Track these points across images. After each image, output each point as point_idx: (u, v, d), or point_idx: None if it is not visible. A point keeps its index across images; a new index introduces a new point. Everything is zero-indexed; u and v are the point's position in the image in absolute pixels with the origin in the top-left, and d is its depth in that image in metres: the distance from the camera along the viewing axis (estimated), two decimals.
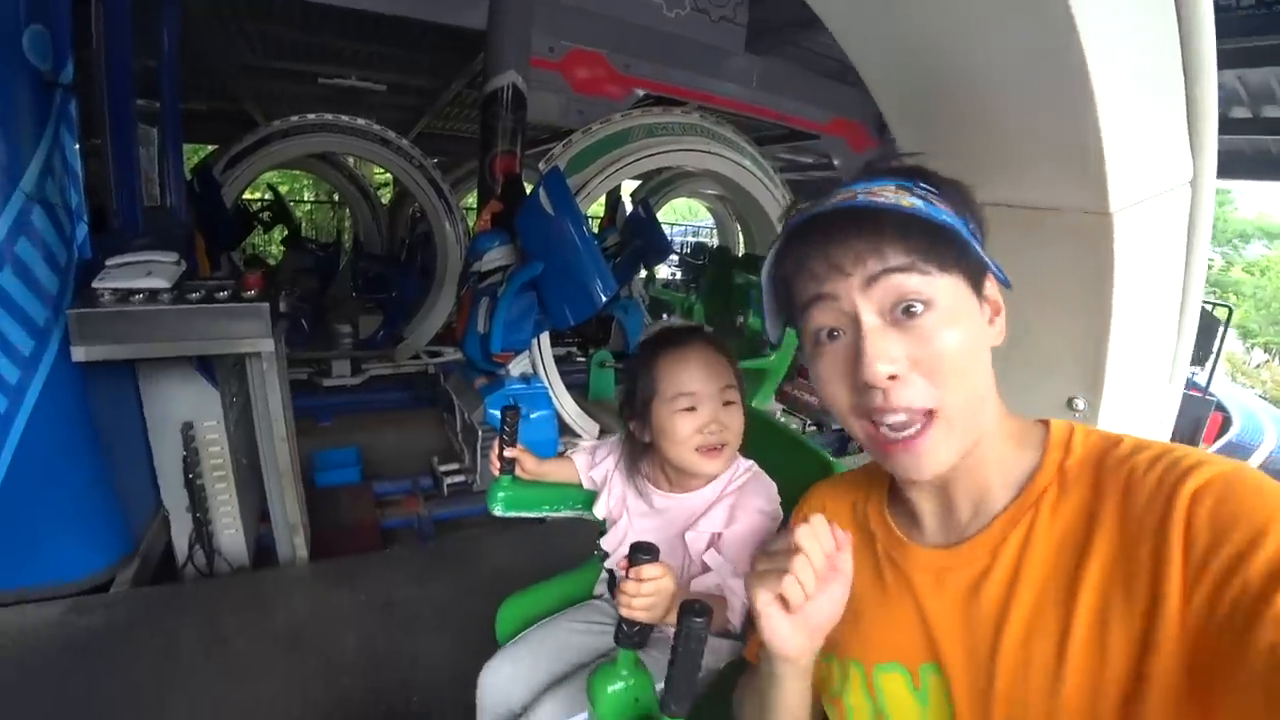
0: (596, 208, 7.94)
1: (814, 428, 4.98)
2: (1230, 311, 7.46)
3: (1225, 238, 17.52)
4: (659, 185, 7.67)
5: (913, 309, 0.59)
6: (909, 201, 0.58)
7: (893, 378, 0.59)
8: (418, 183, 5.43)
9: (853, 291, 0.60)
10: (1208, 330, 6.84)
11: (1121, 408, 1.09)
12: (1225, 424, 7.32)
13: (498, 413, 3.28)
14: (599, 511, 1.29)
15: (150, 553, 2.29)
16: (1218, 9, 0.85)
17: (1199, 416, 6.61)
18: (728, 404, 1.08)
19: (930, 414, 0.60)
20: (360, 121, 5.10)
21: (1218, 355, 7.02)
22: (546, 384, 3.60)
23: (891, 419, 0.60)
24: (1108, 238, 0.93)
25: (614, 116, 3.86)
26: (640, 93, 4.82)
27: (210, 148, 5.45)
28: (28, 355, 1.82)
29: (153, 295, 1.96)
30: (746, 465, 1.15)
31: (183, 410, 2.32)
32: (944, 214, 0.58)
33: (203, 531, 2.41)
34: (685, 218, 21.12)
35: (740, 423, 1.09)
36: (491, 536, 2.77)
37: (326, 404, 4.93)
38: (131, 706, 1.69)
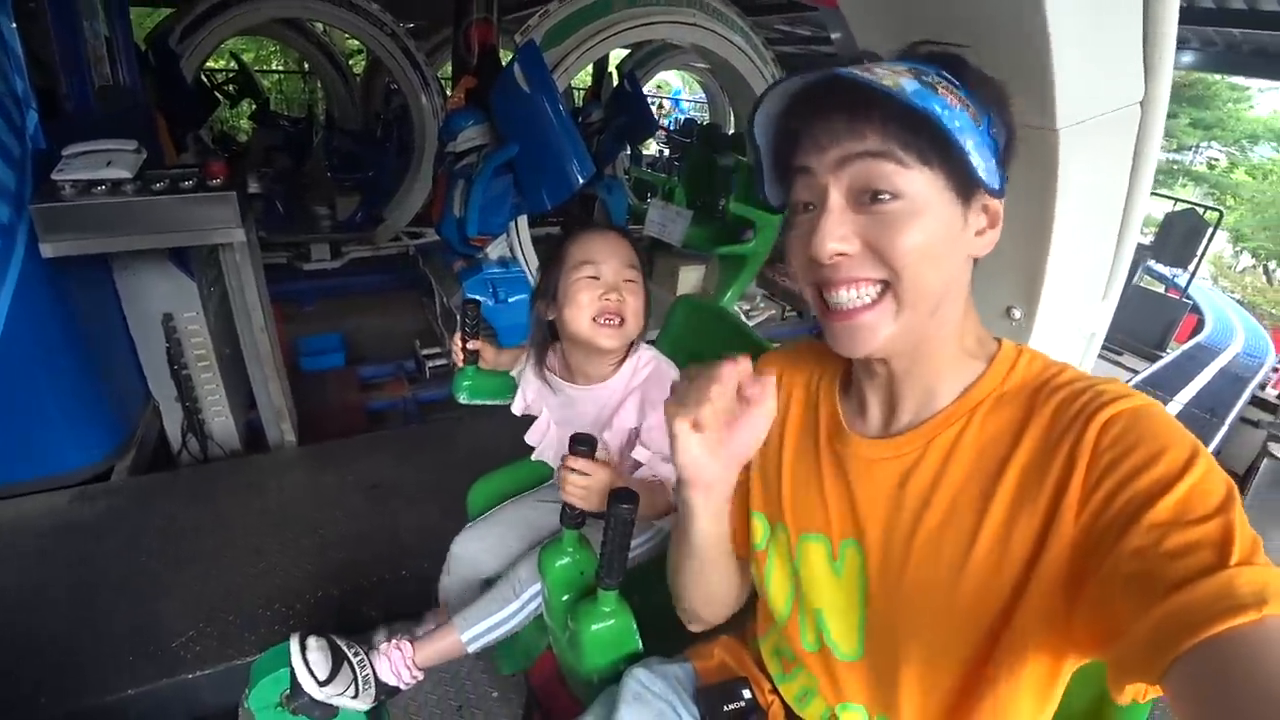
0: (583, 77, 7.53)
1: (794, 313, 5.06)
2: (1220, 216, 7.39)
3: (1234, 137, 16.80)
4: (646, 57, 7.24)
5: (880, 196, 0.58)
6: (894, 82, 0.55)
7: (841, 255, 0.60)
8: (390, 52, 5.12)
9: (825, 169, 0.60)
10: (1195, 232, 6.82)
11: (1056, 320, 1.14)
12: (1199, 325, 7.46)
13: (478, 297, 3.31)
14: (516, 409, 1.38)
15: (145, 442, 2.40)
16: None
17: (1173, 318, 6.74)
18: (628, 281, 1.16)
19: (884, 287, 0.61)
20: None
21: (1200, 258, 7.04)
22: (525, 267, 3.60)
23: (836, 298, 0.62)
24: (1052, 154, 0.95)
25: None
26: None
27: (163, 13, 5.04)
28: None
29: (115, 186, 1.92)
30: (649, 356, 1.24)
31: (161, 302, 2.34)
32: (935, 102, 0.55)
33: (193, 420, 2.51)
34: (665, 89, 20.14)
35: (639, 304, 1.17)
36: (472, 418, 2.88)
37: (308, 288, 4.93)
38: (142, 583, 1.83)
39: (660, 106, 16.13)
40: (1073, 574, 0.54)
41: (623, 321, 1.16)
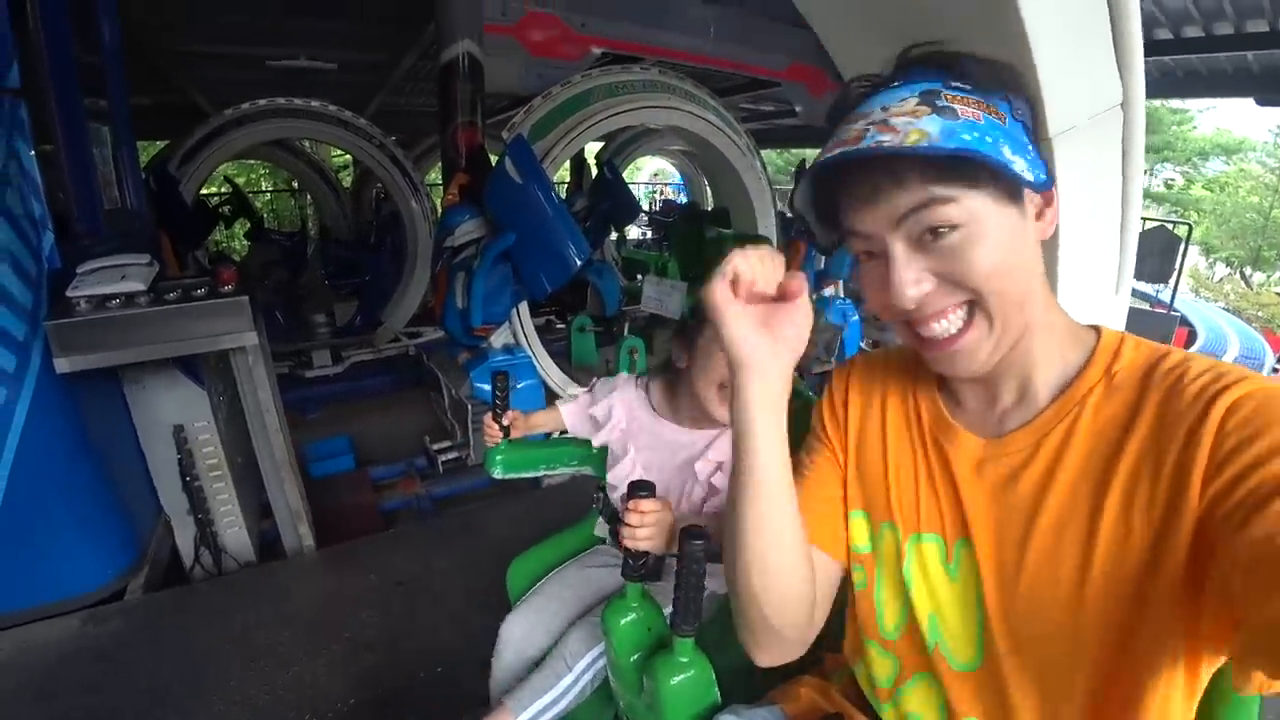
0: (562, 173, 7.85)
1: (795, 374, 5.06)
2: (1190, 229, 7.63)
3: (1185, 156, 17.74)
4: (623, 145, 7.58)
5: (939, 231, 0.60)
6: (919, 133, 0.56)
7: (921, 297, 0.62)
8: (379, 161, 5.32)
9: (880, 226, 0.62)
10: (1169, 248, 7.00)
11: (1074, 317, 1.15)
12: (1191, 337, 7.55)
13: (486, 385, 3.31)
14: (598, 441, 1.37)
15: (158, 558, 2.32)
16: None
17: (1165, 332, 6.80)
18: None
19: (970, 307, 0.62)
20: (314, 103, 4.95)
21: (1179, 271, 7.21)
22: (530, 353, 3.62)
23: (926, 330, 0.64)
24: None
25: (574, 78, 3.81)
26: (597, 51, 4.74)
27: (160, 144, 5.28)
28: (11, 372, 1.81)
29: (130, 299, 1.95)
30: None
31: (172, 413, 2.32)
32: (962, 130, 0.56)
33: (206, 532, 2.44)
34: (648, 177, 21.01)
35: None
36: (490, 509, 2.83)
37: (311, 395, 4.92)
38: (164, 706, 1.74)
39: (660, 193, 16.69)
40: (1196, 562, 0.53)
41: None
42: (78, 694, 1.78)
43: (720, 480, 1.17)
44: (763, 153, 4.91)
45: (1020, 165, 0.58)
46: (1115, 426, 0.60)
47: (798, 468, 0.82)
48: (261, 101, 4.74)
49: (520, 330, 3.63)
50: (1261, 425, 0.51)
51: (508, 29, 4.37)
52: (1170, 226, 7.38)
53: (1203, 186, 18.08)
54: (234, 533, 2.54)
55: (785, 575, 0.70)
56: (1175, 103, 16.06)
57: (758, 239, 4.22)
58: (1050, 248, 1.08)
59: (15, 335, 1.81)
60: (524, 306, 3.62)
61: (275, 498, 2.48)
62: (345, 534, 2.86)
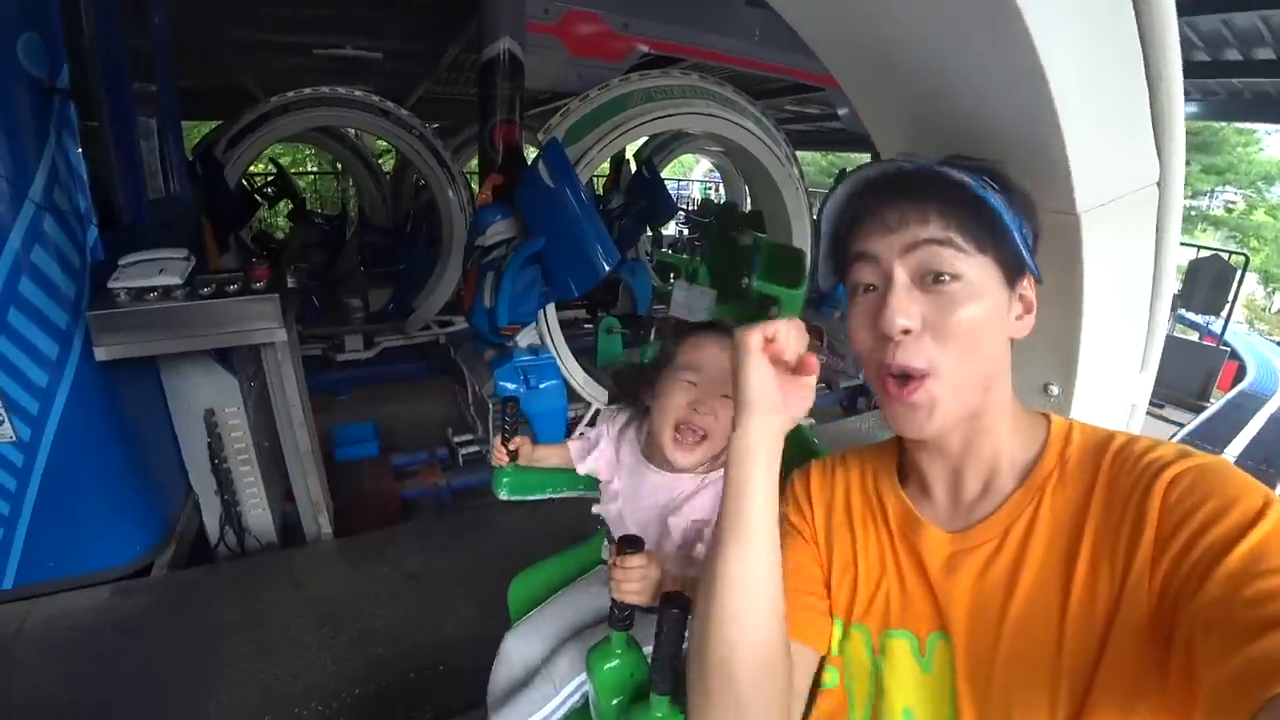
0: (602, 166, 7.88)
1: (823, 386, 5.04)
2: (1247, 259, 7.31)
3: (1249, 180, 17.04)
4: (663, 144, 7.56)
5: (941, 278, 0.64)
6: (960, 177, 0.63)
7: (906, 332, 0.65)
8: (418, 152, 5.40)
9: (892, 253, 0.66)
10: (1223, 278, 6.74)
11: (1094, 394, 1.13)
12: (1240, 372, 7.23)
13: (509, 384, 3.36)
14: (585, 470, 1.38)
15: (185, 536, 2.43)
16: None
17: (1213, 367, 6.56)
18: (725, 397, 1.13)
19: (924, 375, 0.65)
20: (358, 93, 5.05)
21: (1233, 304, 6.93)
22: (554, 354, 3.66)
23: (897, 372, 0.67)
24: (1076, 237, 0.97)
25: (611, 82, 3.80)
26: (642, 49, 4.72)
27: (207, 125, 5.43)
28: (54, 359, 1.91)
29: (166, 292, 2.03)
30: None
31: (204, 399, 2.41)
32: (992, 195, 0.63)
33: (231, 513, 2.54)
34: (688, 169, 20.75)
35: (729, 422, 1.15)
36: (505, 508, 2.87)
37: (342, 379, 5.05)
38: (180, 681, 1.82)
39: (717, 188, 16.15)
40: (1157, 631, 0.55)
41: (704, 438, 1.15)
42: (100, 662, 1.87)
43: (702, 551, 1.14)
44: (805, 154, 4.84)
45: (1024, 252, 0.65)
46: (1072, 510, 0.64)
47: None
48: (307, 90, 4.85)
49: (546, 331, 3.66)
50: (1201, 496, 0.55)
51: (549, 27, 4.38)
52: (1226, 256, 7.08)
53: (1265, 212, 17.40)
54: (258, 514, 2.64)
55: (763, 640, 0.65)
56: (1243, 125, 15.40)
57: (792, 251, 4.17)
58: (1071, 322, 1.06)
59: (59, 324, 1.90)
60: (551, 307, 3.66)
61: (298, 486, 2.56)
62: (366, 520, 2.95)
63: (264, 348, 2.30)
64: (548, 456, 1.44)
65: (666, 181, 6.86)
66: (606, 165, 7.72)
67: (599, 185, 7.64)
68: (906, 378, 0.66)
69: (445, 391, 4.88)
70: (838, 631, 0.78)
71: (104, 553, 2.18)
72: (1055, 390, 1.15)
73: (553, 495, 1.49)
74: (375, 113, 5.14)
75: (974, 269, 0.65)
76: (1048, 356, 1.13)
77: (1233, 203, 18.05)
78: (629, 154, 7.29)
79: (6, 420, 1.91)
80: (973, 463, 0.71)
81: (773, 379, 0.68)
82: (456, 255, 5.37)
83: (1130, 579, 0.57)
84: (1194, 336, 7.81)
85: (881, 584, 0.75)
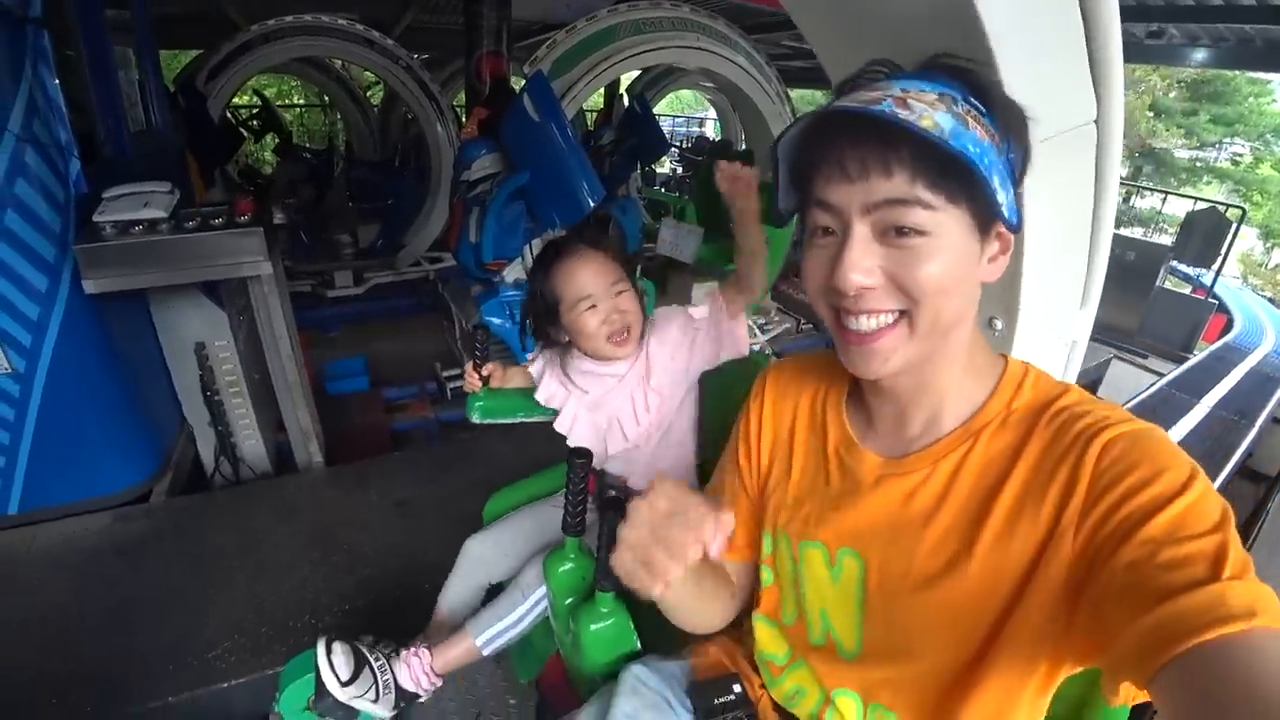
0: (595, 100, 7.69)
1: (809, 325, 5.09)
2: (1244, 214, 7.26)
3: (1258, 132, 16.47)
4: (656, 78, 7.37)
5: (905, 231, 0.60)
6: (931, 121, 0.56)
7: (865, 288, 0.63)
8: (405, 84, 5.30)
9: (851, 206, 0.62)
10: (1218, 231, 6.71)
11: (1036, 329, 1.19)
12: (1228, 325, 7.27)
13: (496, 319, 3.41)
14: (541, 398, 1.45)
15: (181, 465, 2.51)
16: None
17: (1199, 319, 6.59)
18: (620, 293, 1.26)
19: (900, 314, 0.64)
20: (342, 21, 4.91)
21: (1224, 257, 6.92)
22: None
23: (855, 323, 0.65)
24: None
25: (599, 13, 3.72)
26: None
27: (187, 54, 5.28)
28: (43, 291, 1.94)
29: (151, 225, 2.04)
30: (654, 323, 1.34)
31: (194, 332, 2.46)
32: (969, 141, 0.57)
33: (225, 443, 2.62)
34: (691, 108, 20.29)
35: (636, 304, 1.27)
36: (491, 438, 2.97)
37: (332, 314, 5.09)
38: (179, 600, 1.93)
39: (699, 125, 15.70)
40: (1071, 586, 0.58)
41: (629, 328, 1.26)
42: (102, 585, 1.97)
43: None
44: (803, 92, 4.76)
45: (1002, 198, 0.60)
46: (1004, 457, 0.66)
47: (716, 484, 0.96)
48: (289, 18, 4.71)
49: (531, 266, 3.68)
50: (1131, 462, 0.56)
51: None
52: (1223, 209, 7.04)
53: (1272, 166, 16.86)
54: (251, 445, 2.72)
55: (711, 618, 0.89)
56: (1256, 75, 14.85)
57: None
58: (1014, 258, 1.11)
59: (46, 257, 1.93)
60: (537, 243, 3.67)
61: (288, 418, 2.63)
62: (358, 451, 3.04)
63: (251, 281, 2.33)
64: (514, 377, 1.52)
65: (663, 118, 6.73)
66: (599, 99, 7.57)
67: (590, 120, 7.48)
68: (866, 326, 0.65)
69: (434, 327, 4.93)
70: (768, 539, 0.87)
71: (104, 480, 2.26)
72: (999, 324, 1.20)
73: (525, 420, 1.56)
74: (360, 42, 5.01)
75: (942, 223, 0.60)
76: (992, 291, 1.18)
77: (1240, 155, 17.58)
78: (623, 89, 7.12)
79: (1, 352, 1.96)
80: (920, 401, 0.71)
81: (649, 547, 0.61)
82: (445, 191, 5.30)
83: (1056, 532, 0.59)
84: (1186, 289, 7.82)
85: (808, 498, 0.82)
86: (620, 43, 3.66)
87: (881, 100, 0.58)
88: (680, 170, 10.86)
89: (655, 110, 6.83)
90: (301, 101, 13.37)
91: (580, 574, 1.02)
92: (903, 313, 0.64)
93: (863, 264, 0.62)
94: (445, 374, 4.01)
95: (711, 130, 13.24)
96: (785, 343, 4.89)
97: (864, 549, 0.74)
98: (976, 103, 0.61)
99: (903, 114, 0.56)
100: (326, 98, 9.14)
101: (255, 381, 2.70)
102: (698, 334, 1.28)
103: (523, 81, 3.26)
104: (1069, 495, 0.59)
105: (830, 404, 0.83)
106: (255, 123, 6.48)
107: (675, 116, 17.42)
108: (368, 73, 9.36)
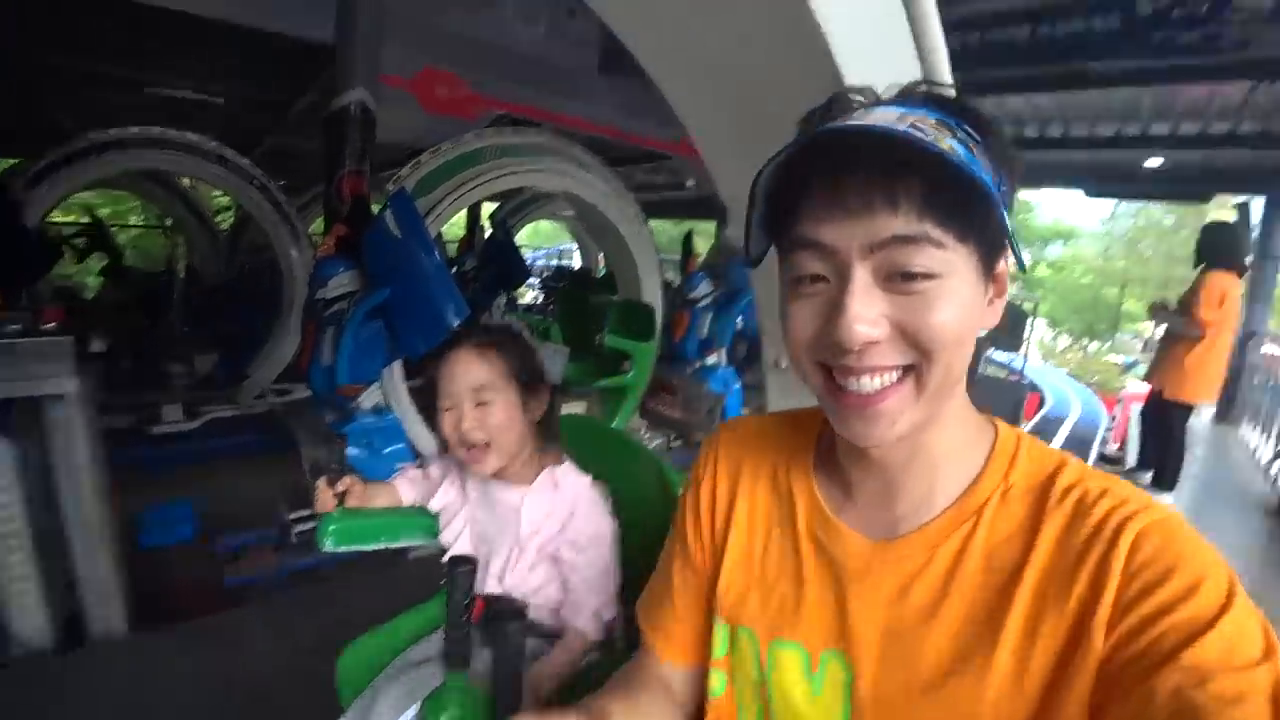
0: (457, 229, 7.76)
1: (679, 442, 5.10)
2: (1035, 305, 8.71)
3: (1029, 242, 21.25)
4: (518, 207, 7.58)
5: (913, 275, 0.53)
6: (949, 145, 0.50)
7: (870, 342, 0.54)
8: (260, 206, 5.04)
9: (852, 247, 0.53)
10: (1019, 321, 7.89)
11: None
12: (1041, 402, 8.43)
13: (351, 450, 3.10)
14: (435, 506, 1.30)
15: None
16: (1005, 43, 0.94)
17: (1019, 398, 7.54)
18: (482, 404, 1.13)
19: (906, 371, 0.55)
20: (193, 136, 4.63)
21: (1028, 343, 8.15)
22: (401, 415, 3.44)
23: (856, 384, 0.56)
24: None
25: (464, 137, 3.79)
26: (496, 110, 4.78)
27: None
28: None
29: None
30: (571, 482, 1.20)
31: None
32: (979, 169, 0.51)
33: None
34: (550, 240, 21.27)
35: (500, 420, 1.14)
36: (351, 585, 2.62)
37: (156, 454, 4.45)
38: None
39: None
40: (1094, 698, 0.51)
41: (488, 444, 1.13)
42: None
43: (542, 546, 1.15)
44: (655, 223, 5.05)
45: (1007, 231, 0.54)
46: (1013, 546, 0.57)
47: (661, 574, 0.80)
48: (133, 129, 4.39)
49: (392, 390, 3.45)
50: (1166, 567, 0.50)
51: (405, 82, 4.35)
52: (1019, 303, 8.34)
53: (1046, 266, 21.71)
54: (27, 611, 2.18)
55: None
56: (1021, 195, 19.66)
57: (642, 307, 4.28)
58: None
59: None
60: (398, 366, 3.47)
61: (85, 574, 2.17)
62: (179, 613, 2.54)
63: (48, 401, 1.96)
64: (377, 495, 1.33)
65: (525, 249, 6.88)
66: (462, 225, 7.65)
67: (453, 250, 7.54)
68: (868, 387, 0.56)
69: (279, 467, 4.43)
70: (724, 633, 0.71)
71: None
72: (784, 363, 1.21)
73: (388, 545, 1.35)
74: (212, 159, 4.73)
75: (953, 263, 0.53)
76: (776, 330, 1.18)
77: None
78: (484, 219, 7.28)
79: None
80: (914, 472, 0.62)
81: None
82: (297, 318, 4.99)
83: (1084, 633, 0.51)
84: (1003, 374, 8.96)
85: (778, 586, 0.68)
86: (485, 165, 3.73)
87: (893, 122, 0.51)
88: (542, 299, 11.10)
89: (517, 240, 7.01)
90: (141, 221, 12.48)
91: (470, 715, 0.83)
92: (908, 368, 0.56)
93: (868, 314, 0.53)
94: (292, 516, 3.55)
95: (572, 260, 13.82)
96: None
97: (853, 652, 0.62)
98: (971, 130, 0.55)
99: (917, 135, 0.49)
100: (169, 220, 8.57)
101: (42, 531, 2.21)
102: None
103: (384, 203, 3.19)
104: (1098, 593, 0.52)
105: (796, 471, 0.71)
106: (80, 240, 5.88)
107: (536, 249, 18.11)
108: (217, 198, 8.97)
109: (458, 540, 1.26)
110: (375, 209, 3.64)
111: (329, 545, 1.27)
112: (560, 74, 4.97)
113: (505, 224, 5.89)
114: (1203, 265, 4.07)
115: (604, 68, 5.19)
